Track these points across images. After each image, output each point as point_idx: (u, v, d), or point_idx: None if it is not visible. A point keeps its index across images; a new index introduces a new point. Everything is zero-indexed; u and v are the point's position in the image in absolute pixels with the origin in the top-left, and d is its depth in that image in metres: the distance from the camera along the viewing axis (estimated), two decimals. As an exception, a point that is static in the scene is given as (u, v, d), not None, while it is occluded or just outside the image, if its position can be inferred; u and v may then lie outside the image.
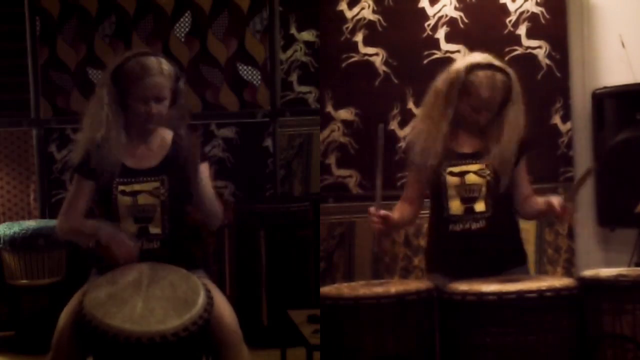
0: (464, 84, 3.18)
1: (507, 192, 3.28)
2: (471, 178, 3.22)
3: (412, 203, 3.32)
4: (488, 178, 3.22)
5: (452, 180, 3.21)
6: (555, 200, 3.15)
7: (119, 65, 3.06)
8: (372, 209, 3.15)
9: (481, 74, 3.17)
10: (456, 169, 3.22)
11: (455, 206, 3.21)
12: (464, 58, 3.31)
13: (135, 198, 3.04)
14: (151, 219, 3.05)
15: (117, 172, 3.04)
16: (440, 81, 3.26)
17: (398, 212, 3.29)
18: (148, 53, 3.12)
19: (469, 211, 3.21)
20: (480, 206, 3.21)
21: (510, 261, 3.28)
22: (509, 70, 3.22)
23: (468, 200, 3.21)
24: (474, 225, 3.21)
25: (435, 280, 3.11)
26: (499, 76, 3.18)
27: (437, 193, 3.24)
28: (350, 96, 4.52)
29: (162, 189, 3.06)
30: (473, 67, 3.18)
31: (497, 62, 3.22)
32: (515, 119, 3.23)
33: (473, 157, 3.24)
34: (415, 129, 3.34)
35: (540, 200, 3.25)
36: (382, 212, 3.14)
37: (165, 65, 3.06)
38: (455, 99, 3.19)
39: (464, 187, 3.21)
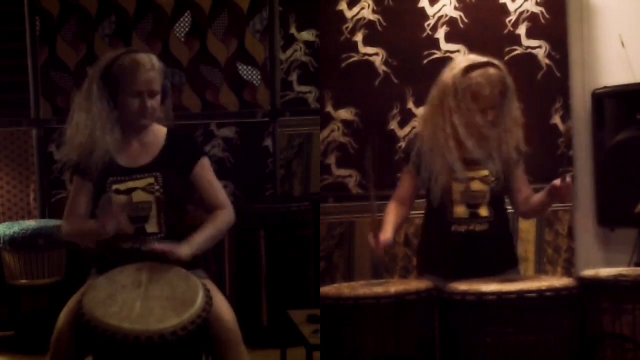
0: (463, 93, 3.17)
1: (506, 196, 3.32)
2: (476, 185, 3.23)
3: (404, 203, 3.33)
4: (492, 185, 3.24)
5: (457, 187, 3.22)
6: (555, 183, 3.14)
7: (109, 63, 3.05)
8: (372, 240, 3.15)
9: (475, 74, 3.18)
10: (461, 176, 3.22)
11: (461, 211, 3.23)
12: (450, 68, 3.28)
13: (130, 196, 3.03)
14: (147, 217, 3.04)
15: (111, 171, 3.03)
16: (436, 93, 3.26)
17: (393, 214, 3.29)
18: (136, 50, 3.14)
19: (474, 215, 3.24)
20: (484, 211, 3.24)
21: (506, 264, 3.31)
22: (497, 61, 3.23)
23: (473, 206, 3.24)
24: (479, 228, 3.23)
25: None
26: (492, 70, 3.19)
27: (440, 198, 3.23)
28: (350, 96, 4.52)
29: (157, 185, 3.04)
30: (465, 71, 3.19)
31: (483, 59, 3.22)
32: (511, 113, 3.23)
33: (477, 164, 3.24)
34: (420, 133, 3.32)
35: (537, 196, 3.27)
36: (383, 240, 3.15)
37: (155, 61, 3.07)
38: (458, 107, 3.18)
39: (469, 193, 3.23)
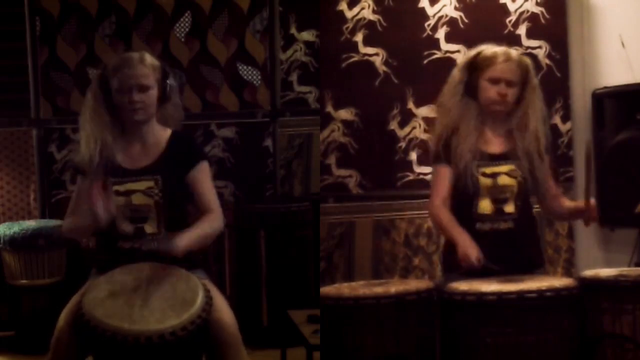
0: (478, 62, 3.21)
1: (530, 194, 3.28)
2: (503, 179, 3.21)
3: (445, 202, 3.20)
4: (519, 179, 3.21)
5: (485, 181, 3.19)
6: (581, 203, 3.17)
7: (103, 69, 3.10)
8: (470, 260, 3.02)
9: (494, 48, 3.23)
10: (488, 170, 3.20)
11: (485, 205, 3.20)
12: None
13: (129, 198, 3.03)
14: (146, 219, 3.04)
15: (111, 172, 3.03)
16: (454, 71, 3.29)
17: (450, 218, 3.16)
18: (131, 51, 3.19)
19: (499, 212, 3.20)
20: (509, 207, 3.21)
21: (532, 264, 3.28)
22: (526, 58, 3.27)
23: (499, 201, 3.20)
24: (503, 225, 3.20)
25: (451, 280, 3.08)
26: (514, 52, 3.24)
27: (465, 192, 3.19)
28: (350, 96, 4.52)
29: (156, 189, 3.04)
30: (485, 48, 3.25)
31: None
32: (535, 112, 3.23)
33: (503, 158, 3.23)
34: (438, 124, 3.29)
35: (569, 203, 3.29)
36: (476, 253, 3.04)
37: (149, 58, 3.09)
38: (467, 76, 3.22)
39: (496, 188, 3.20)
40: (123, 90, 3.03)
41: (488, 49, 3.25)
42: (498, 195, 3.20)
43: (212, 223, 3.06)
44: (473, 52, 3.29)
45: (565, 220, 4.21)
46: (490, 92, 3.20)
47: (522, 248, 3.25)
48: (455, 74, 3.28)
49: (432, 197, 3.24)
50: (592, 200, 3.17)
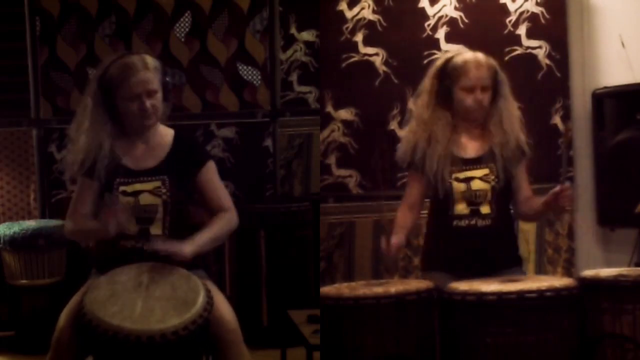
0: (449, 72, 3.23)
1: (509, 194, 3.30)
2: (477, 184, 3.23)
3: (413, 208, 3.31)
4: (492, 183, 3.24)
5: (458, 186, 3.22)
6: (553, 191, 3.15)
7: (102, 72, 3.05)
8: (385, 247, 3.08)
9: (463, 55, 3.26)
10: (461, 175, 3.23)
11: (461, 208, 3.23)
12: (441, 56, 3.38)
13: (136, 198, 3.03)
14: (152, 219, 3.04)
15: (118, 172, 3.03)
16: (425, 80, 3.31)
17: (403, 218, 3.28)
18: (129, 53, 3.16)
19: (475, 212, 3.23)
20: (485, 209, 3.23)
21: (509, 261, 3.31)
22: (492, 59, 3.28)
23: (474, 204, 3.23)
24: (480, 223, 3.23)
25: (433, 279, 3.11)
26: (481, 55, 3.25)
27: (442, 196, 3.23)
28: (350, 96, 4.52)
29: (164, 189, 3.05)
30: (453, 56, 3.27)
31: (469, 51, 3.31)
32: (508, 109, 3.26)
33: (477, 162, 3.25)
34: (411, 134, 3.33)
35: (539, 200, 3.26)
36: (395, 243, 3.10)
37: (150, 60, 3.05)
38: (437, 85, 3.24)
39: (469, 192, 3.23)
40: (132, 98, 3.00)
41: (457, 56, 3.28)
42: (472, 199, 3.23)
43: (224, 222, 3.11)
44: (441, 60, 3.31)
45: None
46: (467, 101, 3.23)
47: (499, 246, 3.27)
48: (426, 83, 3.31)
49: (401, 203, 3.33)
50: (567, 184, 3.15)
